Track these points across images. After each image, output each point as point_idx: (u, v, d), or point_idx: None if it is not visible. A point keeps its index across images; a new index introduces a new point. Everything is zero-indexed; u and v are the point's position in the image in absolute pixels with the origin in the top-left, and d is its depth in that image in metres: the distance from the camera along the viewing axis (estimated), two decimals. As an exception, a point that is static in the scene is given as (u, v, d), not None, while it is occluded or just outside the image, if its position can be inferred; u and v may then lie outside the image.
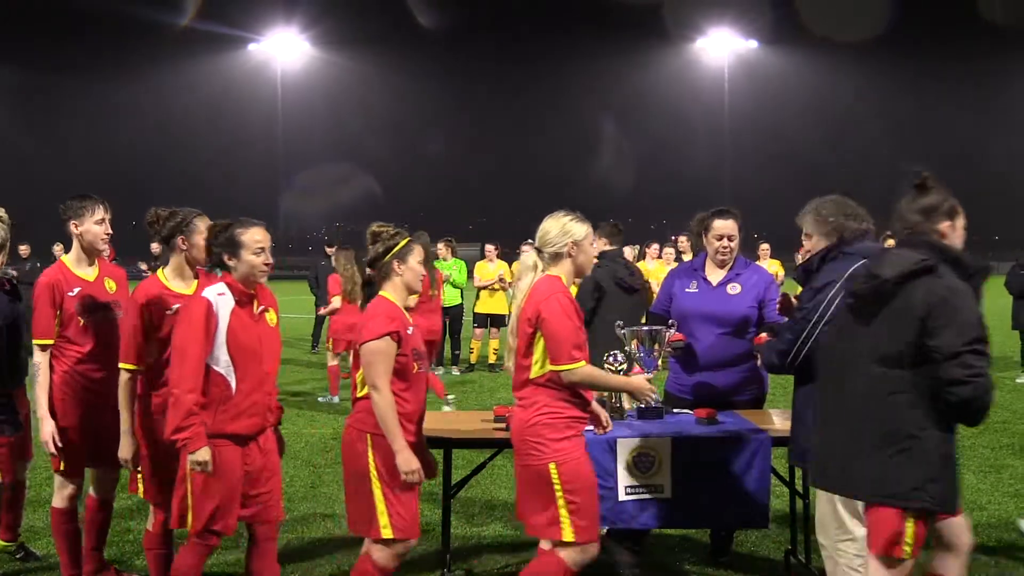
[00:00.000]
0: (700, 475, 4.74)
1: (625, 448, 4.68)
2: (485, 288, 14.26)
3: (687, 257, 14.56)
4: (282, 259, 52.22)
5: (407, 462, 4.13)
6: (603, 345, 5.12)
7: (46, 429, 4.73)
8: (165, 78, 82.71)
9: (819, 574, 5.03)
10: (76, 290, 4.83)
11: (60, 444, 4.73)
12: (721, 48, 66.57)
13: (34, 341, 4.78)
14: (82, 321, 4.82)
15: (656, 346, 5.02)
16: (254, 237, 4.30)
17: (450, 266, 14.06)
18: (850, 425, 3.61)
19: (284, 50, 64.82)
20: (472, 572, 5.47)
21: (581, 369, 4.08)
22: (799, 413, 4.28)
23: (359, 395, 4.27)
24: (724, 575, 5.36)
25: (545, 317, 4.06)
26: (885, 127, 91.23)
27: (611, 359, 5.04)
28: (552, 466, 4.05)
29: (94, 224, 4.87)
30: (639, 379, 4.51)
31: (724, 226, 5.42)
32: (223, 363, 4.20)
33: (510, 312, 4.40)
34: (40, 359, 4.78)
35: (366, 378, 4.17)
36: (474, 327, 14.49)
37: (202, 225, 4.64)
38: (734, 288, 5.38)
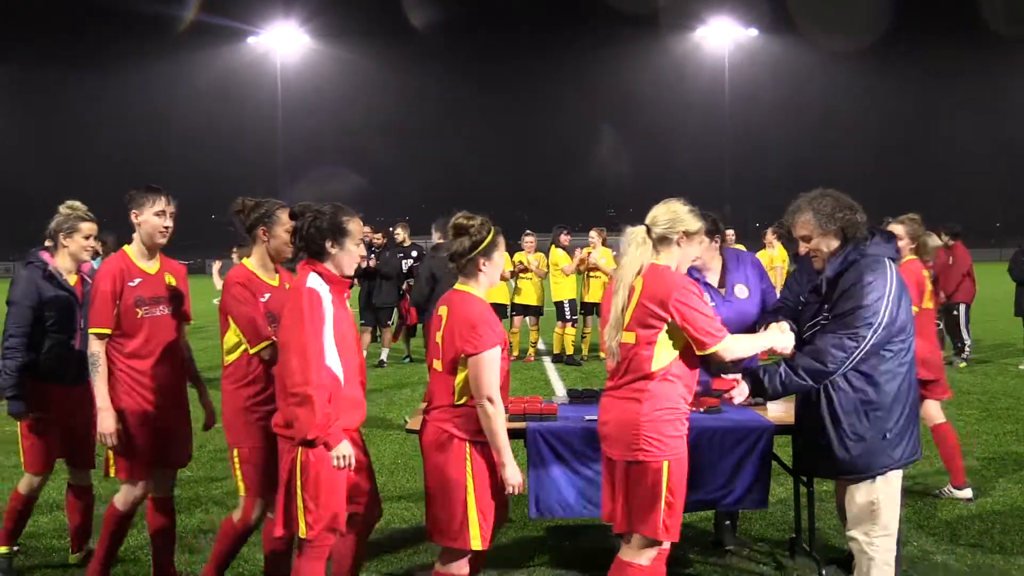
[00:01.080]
0: (704, 464, 4.74)
1: (628, 437, 4.66)
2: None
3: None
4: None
5: (515, 475, 3.98)
6: None
7: (108, 422, 4.56)
8: (166, 72, 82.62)
9: (822, 560, 5.03)
10: (136, 281, 4.68)
11: (122, 440, 4.58)
12: (721, 37, 66.43)
13: (90, 330, 4.63)
14: (140, 313, 4.66)
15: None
16: (358, 227, 4.19)
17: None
18: None
19: (284, 43, 64.75)
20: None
21: (725, 342, 3.94)
22: (852, 427, 4.17)
23: (459, 402, 4.02)
24: (729, 562, 5.35)
25: (681, 307, 3.89)
26: (889, 115, 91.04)
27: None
28: (665, 464, 3.92)
29: (153, 215, 4.70)
30: (774, 333, 4.29)
31: None
32: (331, 356, 4.03)
33: (599, 299, 4.28)
34: (98, 349, 4.61)
35: (477, 389, 3.94)
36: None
37: (284, 216, 4.51)
38: (742, 291, 5.35)
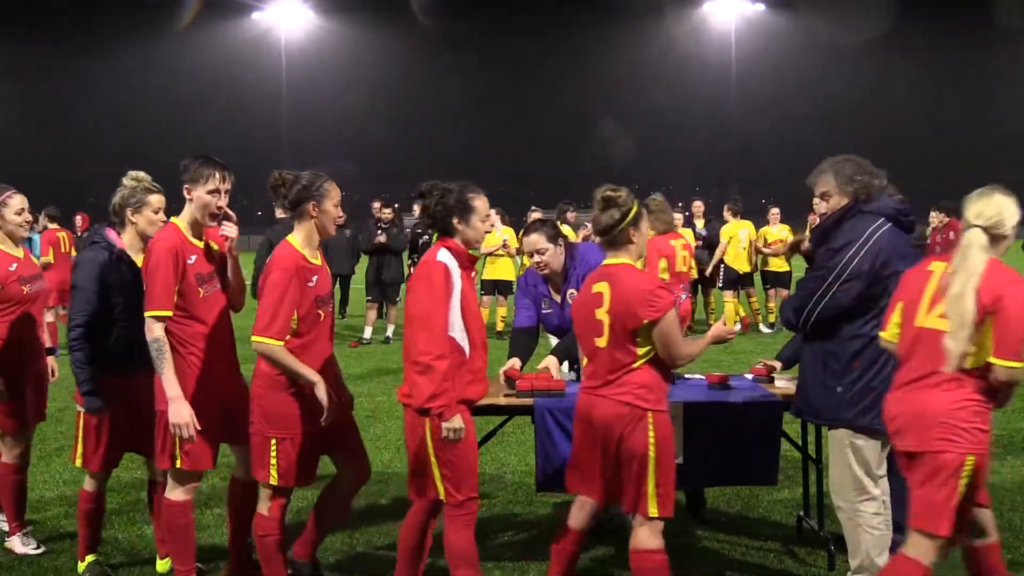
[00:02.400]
0: (712, 440, 4.73)
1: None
2: (490, 254, 14.18)
3: (700, 223, 14.54)
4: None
5: (723, 330, 4.32)
6: None
7: (183, 412, 4.25)
8: (167, 48, 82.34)
9: (831, 538, 5.02)
10: (193, 258, 4.38)
11: (199, 428, 4.30)
12: (727, 12, 65.96)
13: (151, 313, 4.29)
14: (201, 292, 4.39)
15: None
16: (483, 204, 4.24)
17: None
18: None
19: (288, 18, 64.46)
20: (484, 538, 5.46)
21: (1017, 366, 3.59)
22: (812, 371, 4.33)
23: (636, 365, 4.03)
24: (736, 540, 5.35)
25: (1006, 305, 3.58)
26: (898, 91, 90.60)
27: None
28: (970, 459, 3.62)
29: (206, 194, 4.40)
30: None
31: (529, 242, 5.32)
32: (458, 328, 4.09)
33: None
34: (161, 334, 4.29)
35: (673, 349, 4.00)
36: (481, 295, 14.45)
37: (334, 190, 4.37)
38: (572, 296, 5.31)
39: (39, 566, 5.08)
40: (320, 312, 4.37)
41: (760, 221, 15.50)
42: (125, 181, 4.74)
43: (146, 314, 4.30)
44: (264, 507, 4.43)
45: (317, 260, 4.41)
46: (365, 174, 78.56)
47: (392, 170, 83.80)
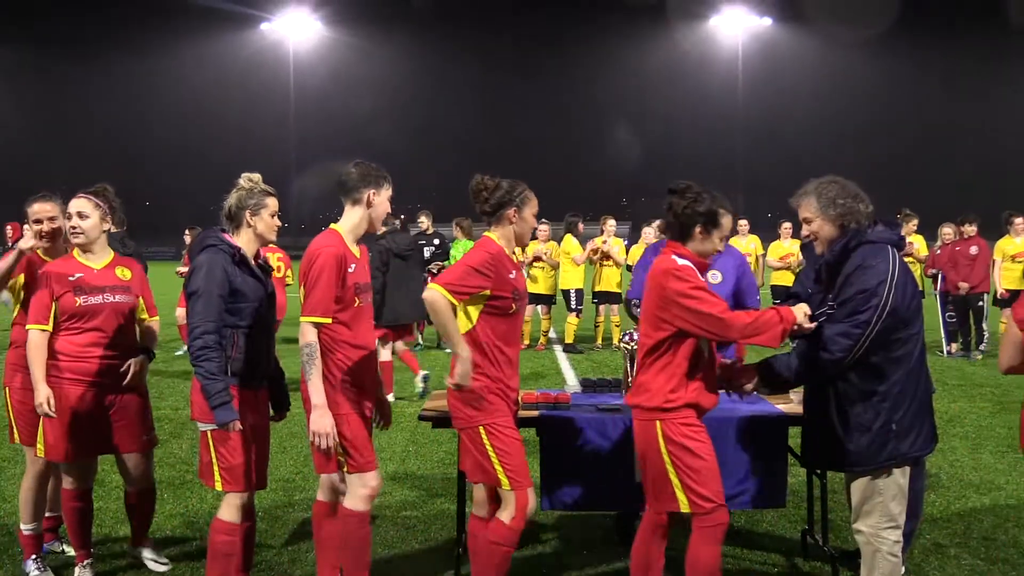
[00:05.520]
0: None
1: (642, 428, 4.64)
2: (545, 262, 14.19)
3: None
4: (295, 239, 52.28)
5: None
6: None
7: (325, 422, 4.16)
8: (177, 57, 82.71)
9: (835, 554, 5.01)
10: (353, 266, 4.30)
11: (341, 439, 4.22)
12: (734, 26, 66.16)
13: (310, 318, 4.18)
14: (358, 302, 4.31)
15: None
16: (728, 223, 4.19)
17: (466, 246, 14.02)
18: None
19: (296, 29, 64.81)
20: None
21: None
22: (844, 410, 4.15)
23: None
24: (741, 554, 5.34)
25: None
26: (903, 105, 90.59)
27: (626, 338, 5.00)
28: None
29: (387, 199, 4.48)
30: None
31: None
32: None
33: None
34: (314, 339, 4.18)
35: None
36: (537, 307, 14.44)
37: (534, 200, 4.36)
38: (715, 276, 5.36)
39: None
40: (515, 304, 4.28)
41: (765, 235, 15.48)
42: (241, 182, 4.50)
43: (303, 319, 4.21)
44: (506, 515, 4.20)
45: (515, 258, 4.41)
46: (372, 185, 78.39)
47: (399, 179, 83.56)
